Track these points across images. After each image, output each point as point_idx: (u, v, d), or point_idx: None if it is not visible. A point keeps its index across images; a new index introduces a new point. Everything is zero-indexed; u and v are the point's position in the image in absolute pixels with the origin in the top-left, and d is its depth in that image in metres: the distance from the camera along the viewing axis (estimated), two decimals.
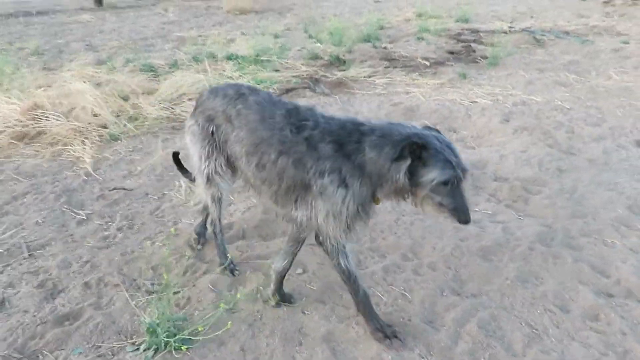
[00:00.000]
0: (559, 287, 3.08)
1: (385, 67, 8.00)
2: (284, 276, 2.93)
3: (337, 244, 2.58)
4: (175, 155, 3.62)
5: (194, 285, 3.12)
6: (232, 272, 3.22)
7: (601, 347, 2.65)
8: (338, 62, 8.28)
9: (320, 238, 2.63)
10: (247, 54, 8.28)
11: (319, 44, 9.38)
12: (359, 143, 2.42)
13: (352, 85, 7.13)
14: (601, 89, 6.84)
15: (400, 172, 2.30)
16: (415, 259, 3.40)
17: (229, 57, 8.14)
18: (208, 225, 3.50)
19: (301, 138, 2.51)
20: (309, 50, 8.90)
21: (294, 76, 7.50)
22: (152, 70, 7.53)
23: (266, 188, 2.70)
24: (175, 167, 3.70)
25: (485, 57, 8.44)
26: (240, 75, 7.22)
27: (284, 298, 2.96)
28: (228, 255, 3.25)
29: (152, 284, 3.13)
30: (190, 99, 6.24)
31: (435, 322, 2.85)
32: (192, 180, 3.42)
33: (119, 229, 3.76)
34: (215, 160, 2.96)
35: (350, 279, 2.67)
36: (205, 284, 3.11)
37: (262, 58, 8.11)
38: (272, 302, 2.92)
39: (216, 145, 2.94)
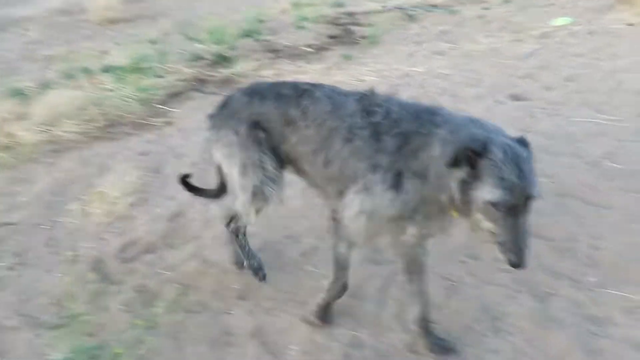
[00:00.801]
0: (467, 239, 3.24)
1: (271, 59, 7.98)
2: (428, 322, 2.52)
3: (354, 237, 2.35)
4: (184, 179, 3.13)
5: (105, 310, 2.90)
6: (263, 277, 3.04)
7: (514, 285, 2.83)
8: (222, 60, 8.12)
9: (339, 218, 2.35)
10: (124, 63, 7.86)
11: (200, 45, 9.13)
12: (428, 137, 2.08)
13: (240, 81, 7.02)
14: (474, 53, 7.29)
15: (454, 181, 1.95)
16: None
17: (106, 70, 7.68)
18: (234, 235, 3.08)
19: (368, 123, 2.24)
20: (190, 52, 8.63)
21: (179, 80, 7.24)
22: (20, 94, 6.90)
23: (333, 188, 2.41)
24: (186, 189, 3.18)
25: (364, 37, 8.68)
26: (122, 87, 6.84)
27: (443, 346, 2.51)
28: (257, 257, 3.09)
29: (58, 318, 2.87)
30: (68, 119, 5.81)
31: (358, 294, 2.89)
32: (215, 196, 3.10)
33: (10, 268, 3.40)
34: (268, 167, 2.59)
35: (340, 266, 2.52)
36: (116, 306, 2.91)
37: (141, 66, 7.73)
38: (434, 357, 2.49)
39: (266, 152, 2.58)
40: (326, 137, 2.35)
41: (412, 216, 2.14)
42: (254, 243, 3.16)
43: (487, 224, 1.90)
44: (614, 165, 3.98)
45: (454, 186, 1.95)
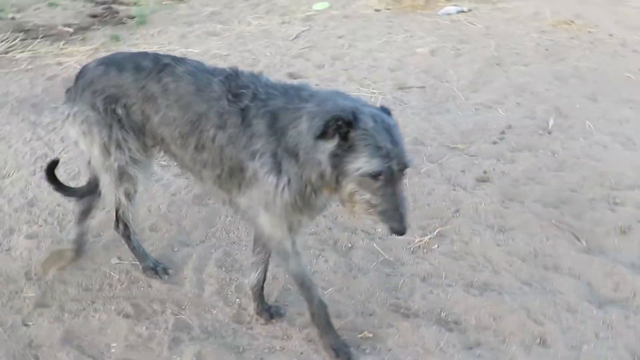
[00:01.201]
0: None
1: (23, 40, 6.98)
2: (262, 289, 2.55)
3: (281, 243, 2.18)
4: (51, 168, 2.65)
5: None
6: (165, 271, 2.81)
7: (319, 244, 3.09)
8: None
9: (260, 233, 2.24)
10: None
11: None
12: (297, 113, 1.98)
13: None
14: (246, 34, 7.49)
15: (323, 154, 1.87)
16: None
17: None
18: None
19: (237, 109, 2.08)
20: None
21: None
22: None
23: (208, 172, 2.24)
24: (52, 187, 2.72)
25: (131, 17, 8.19)
26: None
27: (271, 313, 2.56)
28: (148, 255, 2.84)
29: None
30: None
31: (176, 277, 2.83)
32: (76, 195, 2.73)
33: None
34: (129, 148, 2.36)
35: (304, 285, 2.29)
36: None
37: None
38: (262, 321, 2.54)
39: (126, 129, 2.34)
40: (194, 122, 2.19)
41: (296, 201, 2.05)
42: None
43: (365, 196, 1.86)
44: None
45: (324, 161, 1.88)
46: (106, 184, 2.47)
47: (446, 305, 2.65)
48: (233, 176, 2.17)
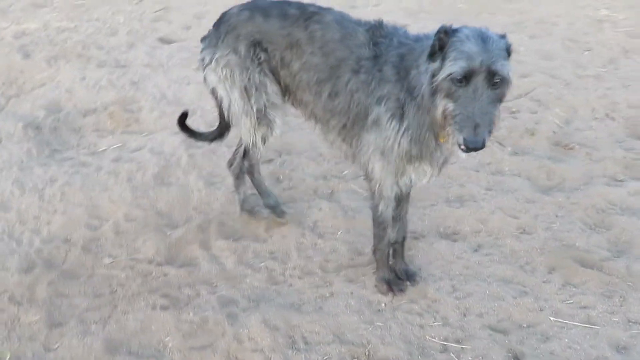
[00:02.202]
0: None
1: None
2: (402, 247, 2.61)
3: (384, 188, 2.23)
4: (183, 119, 2.75)
5: None
6: (283, 213, 2.92)
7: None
8: None
9: (367, 175, 2.28)
10: None
11: None
12: (419, 51, 2.00)
13: None
14: (83, 3, 6.71)
15: (426, 75, 1.90)
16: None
17: None
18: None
19: (372, 55, 2.13)
20: None
21: None
22: None
23: (335, 121, 2.30)
24: (184, 133, 2.87)
25: None
26: None
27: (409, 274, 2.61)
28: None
29: None
30: None
31: (185, 259, 2.72)
32: (207, 139, 2.88)
33: None
34: (267, 92, 2.43)
35: (381, 226, 2.41)
36: None
37: None
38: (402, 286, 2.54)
39: (266, 73, 2.41)
40: (334, 67, 2.21)
41: (411, 149, 2.09)
42: None
43: (450, 107, 1.82)
44: None
45: (426, 81, 1.91)
46: (245, 127, 2.53)
47: (441, 222, 3.03)
48: (356, 124, 2.23)
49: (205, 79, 2.54)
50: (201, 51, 2.54)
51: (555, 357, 2.20)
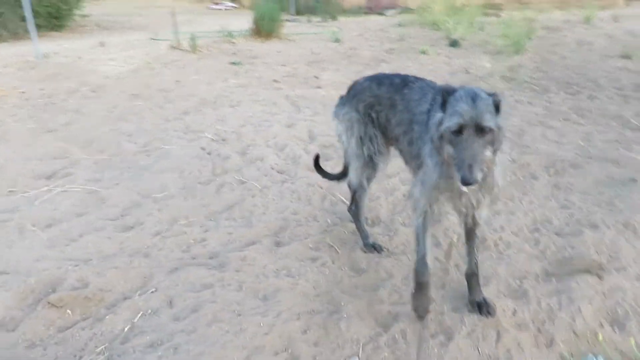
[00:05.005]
0: None
1: None
2: (476, 277, 2.75)
3: (418, 206, 2.59)
4: (317, 160, 3.59)
5: None
6: (380, 248, 3.28)
7: None
8: None
9: (410, 200, 2.69)
10: None
11: None
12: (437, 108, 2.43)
13: None
14: None
15: (434, 123, 2.32)
16: None
17: None
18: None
19: (427, 109, 2.60)
20: None
21: None
22: None
23: (413, 163, 2.78)
24: (317, 171, 3.63)
25: None
26: None
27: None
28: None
29: None
30: None
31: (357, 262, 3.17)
32: (337, 179, 3.50)
33: None
34: (377, 142, 3.06)
35: (416, 239, 2.63)
36: None
37: None
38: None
39: (376, 128, 3.04)
40: (411, 121, 2.76)
41: (440, 180, 2.43)
42: None
43: (450, 150, 2.20)
44: None
45: (434, 128, 2.31)
46: (355, 168, 3.16)
47: None
48: (418, 164, 2.66)
49: (335, 128, 3.24)
50: (335, 107, 3.24)
51: None
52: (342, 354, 2.38)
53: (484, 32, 12.27)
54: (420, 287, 2.61)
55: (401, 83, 2.91)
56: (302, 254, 3.21)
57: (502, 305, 2.65)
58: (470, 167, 2.10)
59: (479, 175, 2.11)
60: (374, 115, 3.02)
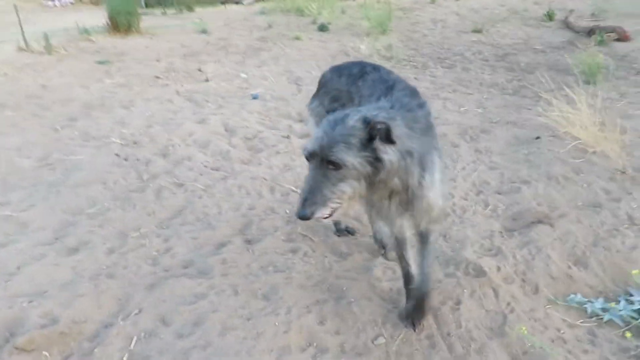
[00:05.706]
0: None
1: None
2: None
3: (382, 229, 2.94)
4: None
5: None
6: (352, 231, 3.28)
7: None
8: None
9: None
10: None
11: None
12: None
13: None
14: None
15: None
16: None
17: None
18: None
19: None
20: None
21: None
22: None
23: None
24: None
25: None
26: None
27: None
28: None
29: None
30: None
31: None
32: None
33: None
34: None
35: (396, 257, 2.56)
36: None
37: None
38: None
39: None
40: None
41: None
42: None
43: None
44: None
45: None
46: None
47: None
48: None
49: (306, 120, 3.20)
50: (309, 100, 3.02)
51: None
52: (367, 337, 2.40)
53: (346, 15, 12.73)
54: (419, 300, 2.45)
55: (358, 73, 2.70)
56: (280, 247, 3.13)
57: (487, 264, 2.86)
58: (305, 201, 1.86)
59: (315, 212, 1.85)
60: (337, 107, 2.71)
